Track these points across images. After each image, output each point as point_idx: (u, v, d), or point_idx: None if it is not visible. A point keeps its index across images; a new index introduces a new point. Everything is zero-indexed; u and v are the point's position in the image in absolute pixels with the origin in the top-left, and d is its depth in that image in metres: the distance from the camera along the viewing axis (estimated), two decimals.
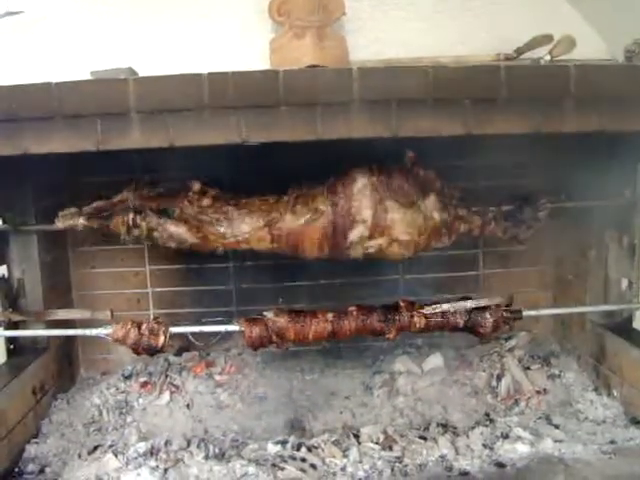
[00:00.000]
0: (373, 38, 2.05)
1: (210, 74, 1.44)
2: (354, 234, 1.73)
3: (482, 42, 2.03)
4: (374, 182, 1.72)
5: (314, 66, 1.79)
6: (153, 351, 1.68)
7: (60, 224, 1.79)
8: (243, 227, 1.76)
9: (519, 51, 1.98)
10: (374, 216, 1.71)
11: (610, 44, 2.05)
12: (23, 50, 1.98)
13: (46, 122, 1.44)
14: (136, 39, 1.99)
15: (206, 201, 1.76)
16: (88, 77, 1.68)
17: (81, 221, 1.77)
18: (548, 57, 1.91)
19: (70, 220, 1.77)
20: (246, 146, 1.49)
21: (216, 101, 1.44)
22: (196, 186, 1.77)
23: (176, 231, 1.76)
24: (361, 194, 1.72)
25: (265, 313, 1.72)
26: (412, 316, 1.73)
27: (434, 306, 1.73)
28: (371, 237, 1.73)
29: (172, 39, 2.00)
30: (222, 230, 1.75)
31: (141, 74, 1.70)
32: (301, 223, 1.74)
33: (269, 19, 2.00)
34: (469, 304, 1.73)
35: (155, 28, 2.01)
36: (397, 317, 1.72)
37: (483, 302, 1.73)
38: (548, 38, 1.94)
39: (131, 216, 1.75)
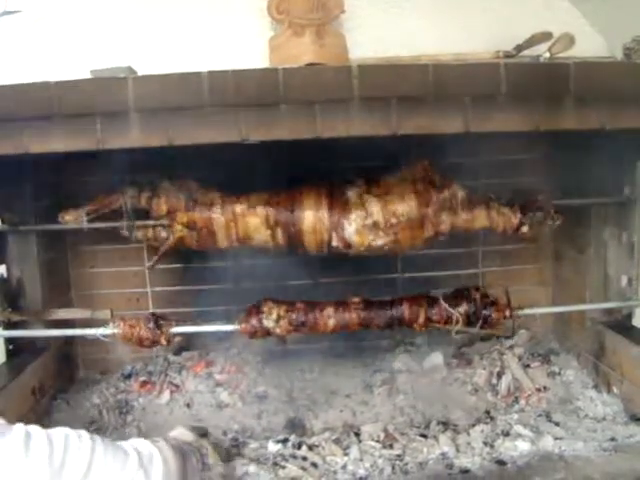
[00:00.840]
0: (372, 36, 2.04)
1: (209, 73, 1.43)
2: (352, 187, 1.78)
3: (482, 39, 2.02)
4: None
5: (313, 64, 1.79)
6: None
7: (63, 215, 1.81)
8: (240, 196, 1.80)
9: (519, 48, 1.98)
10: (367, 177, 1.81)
11: (609, 41, 2.05)
12: (22, 49, 1.97)
13: (45, 121, 1.43)
14: (135, 38, 1.98)
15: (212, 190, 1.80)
16: (87, 76, 1.68)
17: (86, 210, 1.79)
18: (547, 54, 1.91)
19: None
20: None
21: (215, 100, 1.44)
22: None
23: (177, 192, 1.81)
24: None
25: (265, 322, 1.74)
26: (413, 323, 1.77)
27: (439, 326, 1.77)
28: (369, 191, 1.77)
29: (171, 38, 1.99)
30: (219, 200, 1.79)
31: (140, 73, 1.69)
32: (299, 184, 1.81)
33: (268, 17, 2.00)
34: (472, 331, 1.76)
35: (154, 27, 2.00)
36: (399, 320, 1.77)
37: (486, 332, 1.78)
38: (547, 35, 1.94)
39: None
